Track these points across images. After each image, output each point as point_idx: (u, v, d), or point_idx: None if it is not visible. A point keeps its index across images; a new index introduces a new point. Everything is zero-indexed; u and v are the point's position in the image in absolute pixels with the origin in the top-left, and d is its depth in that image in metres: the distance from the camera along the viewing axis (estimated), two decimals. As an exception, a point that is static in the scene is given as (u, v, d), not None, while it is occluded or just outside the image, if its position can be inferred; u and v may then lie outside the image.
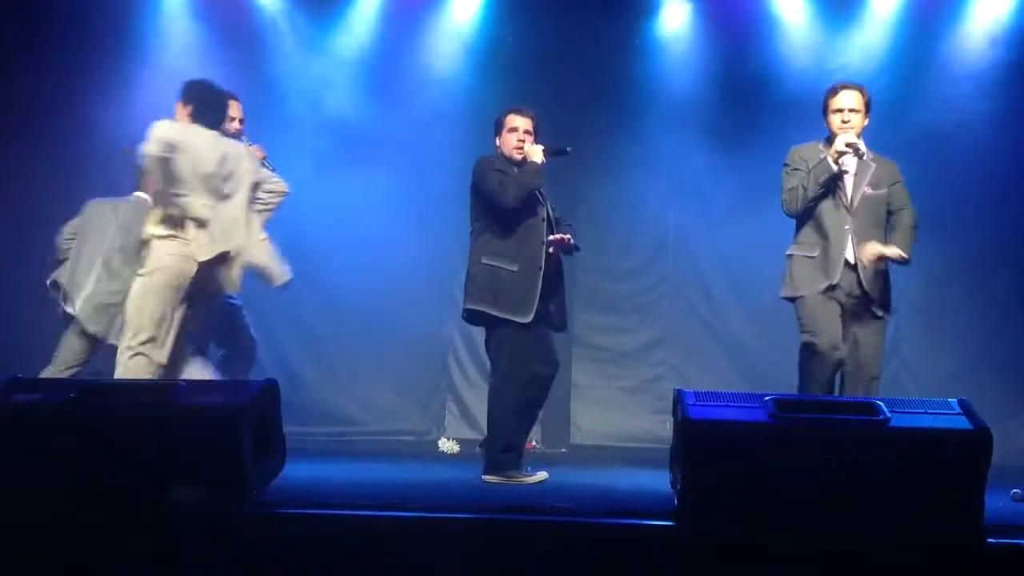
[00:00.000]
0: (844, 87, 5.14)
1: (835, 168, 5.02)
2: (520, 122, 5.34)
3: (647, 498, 4.44)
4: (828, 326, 4.98)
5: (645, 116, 7.87)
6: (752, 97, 7.62)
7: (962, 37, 7.52)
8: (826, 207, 5.09)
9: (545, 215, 5.30)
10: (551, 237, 5.27)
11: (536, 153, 5.25)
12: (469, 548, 3.40)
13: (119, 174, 6.20)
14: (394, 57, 7.83)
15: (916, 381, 7.46)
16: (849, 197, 5.10)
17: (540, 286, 5.18)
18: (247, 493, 3.60)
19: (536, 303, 5.16)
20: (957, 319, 7.51)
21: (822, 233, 5.08)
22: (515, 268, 5.17)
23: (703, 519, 3.43)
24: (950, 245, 7.21)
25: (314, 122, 7.66)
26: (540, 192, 5.30)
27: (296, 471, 4.22)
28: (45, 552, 3.39)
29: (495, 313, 5.16)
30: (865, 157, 5.08)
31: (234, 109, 5.60)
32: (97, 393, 3.79)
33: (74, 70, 7.20)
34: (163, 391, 3.80)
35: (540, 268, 5.20)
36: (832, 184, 5.06)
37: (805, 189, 5.06)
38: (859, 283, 5.03)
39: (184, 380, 4.33)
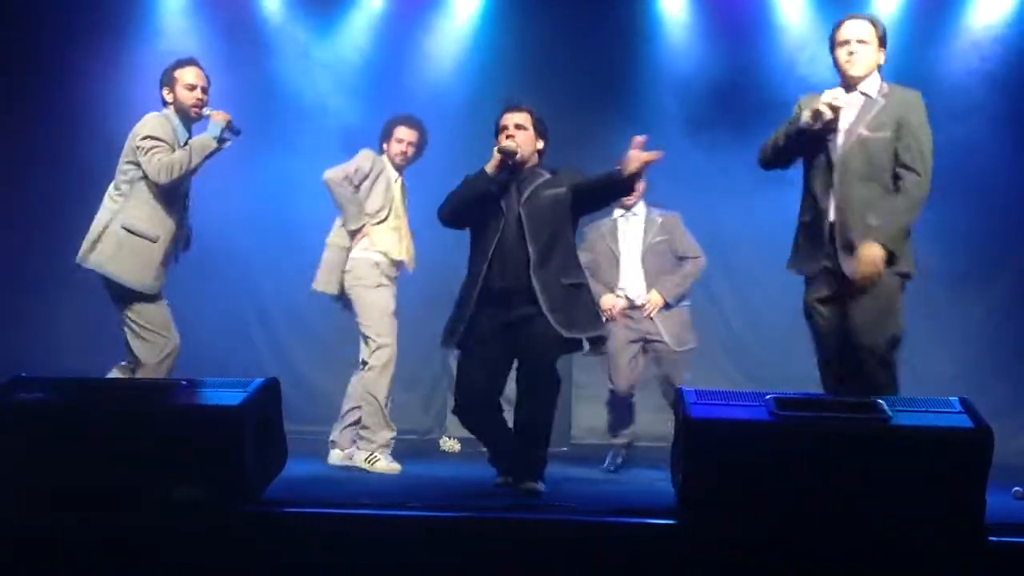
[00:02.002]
0: (850, 17, 4.47)
1: (804, 124, 4.29)
2: (506, 119, 4.87)
3: (648, 496, 4.44)
4: (827, 332, 4.41)
5: (646, 113, 7.84)
6: (753, 93, 7.56)
7: (964, 40, 7.48)
8: (816, 162, 4.37)
9: (503, 222, 4.68)
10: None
11: (492, 158, 4.75)
12: (469, 548, 3.40)
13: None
14: (394, 56, 7.81)
15: (917, 380, 7.44)
16: (839, 143, 4.31)
17: (473, 305, 4.69)
18: (248, 492, 3.61)
19: (461, 329, 4.72)
20: (958, 318, 7.48)
21: (812, 195, 4.40)
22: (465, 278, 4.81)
23: (704, 518, 3.43)
24: (952, 244, 7.19)
25: (314, 122, 7.64)
26: (507, 190, 4.75)
27: (297, 470, 4.23)
28: (45, 551, 3.39)
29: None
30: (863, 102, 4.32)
31: (189, 75, 5.09)
32: (98, 392, 3.79)
33: (73, 68, 7.20)
34: (164, 390, 3.81)
35: (478, 283, 4.69)
36: (802, 138, 4.32)
37: (776, 141, 4.43)
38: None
39: (185, 379, 4.33)
